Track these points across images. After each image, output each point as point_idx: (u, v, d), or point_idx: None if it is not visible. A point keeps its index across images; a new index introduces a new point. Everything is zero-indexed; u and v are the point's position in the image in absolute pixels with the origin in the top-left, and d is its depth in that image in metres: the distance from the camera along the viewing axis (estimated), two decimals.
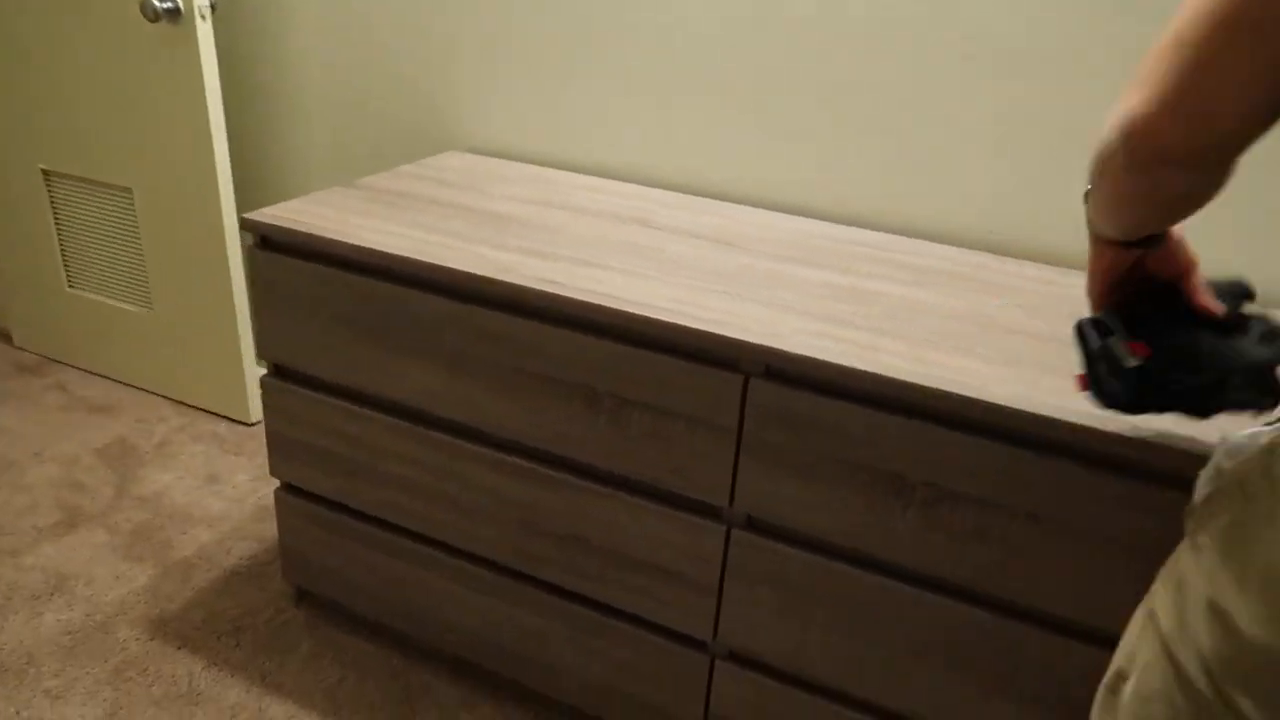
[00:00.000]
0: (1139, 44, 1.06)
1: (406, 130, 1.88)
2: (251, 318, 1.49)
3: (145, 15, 1.83)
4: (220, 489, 2.00)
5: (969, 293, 1.29)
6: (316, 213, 1.42)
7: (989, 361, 1.09)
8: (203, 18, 1.83)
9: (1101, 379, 0.87)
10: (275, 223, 1.38)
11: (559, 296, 1.20)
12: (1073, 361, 0.93)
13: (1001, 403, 1.01)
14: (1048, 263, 1.44)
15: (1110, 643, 0.77)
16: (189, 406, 2.26)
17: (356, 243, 1.32)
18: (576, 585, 1.36)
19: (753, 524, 1.21)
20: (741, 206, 1.60)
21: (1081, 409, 0.97)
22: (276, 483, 1.58)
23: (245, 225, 1.40)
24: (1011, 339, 1.16)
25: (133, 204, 2.12)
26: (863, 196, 1.55)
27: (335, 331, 1.39)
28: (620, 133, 1.69)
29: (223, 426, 2.20)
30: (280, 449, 1.54)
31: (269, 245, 1.41)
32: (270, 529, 1.88)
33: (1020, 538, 1.04)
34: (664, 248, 1.38)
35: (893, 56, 1.46)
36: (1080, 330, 0.89)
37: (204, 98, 1.89)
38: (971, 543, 1.07)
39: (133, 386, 2.33)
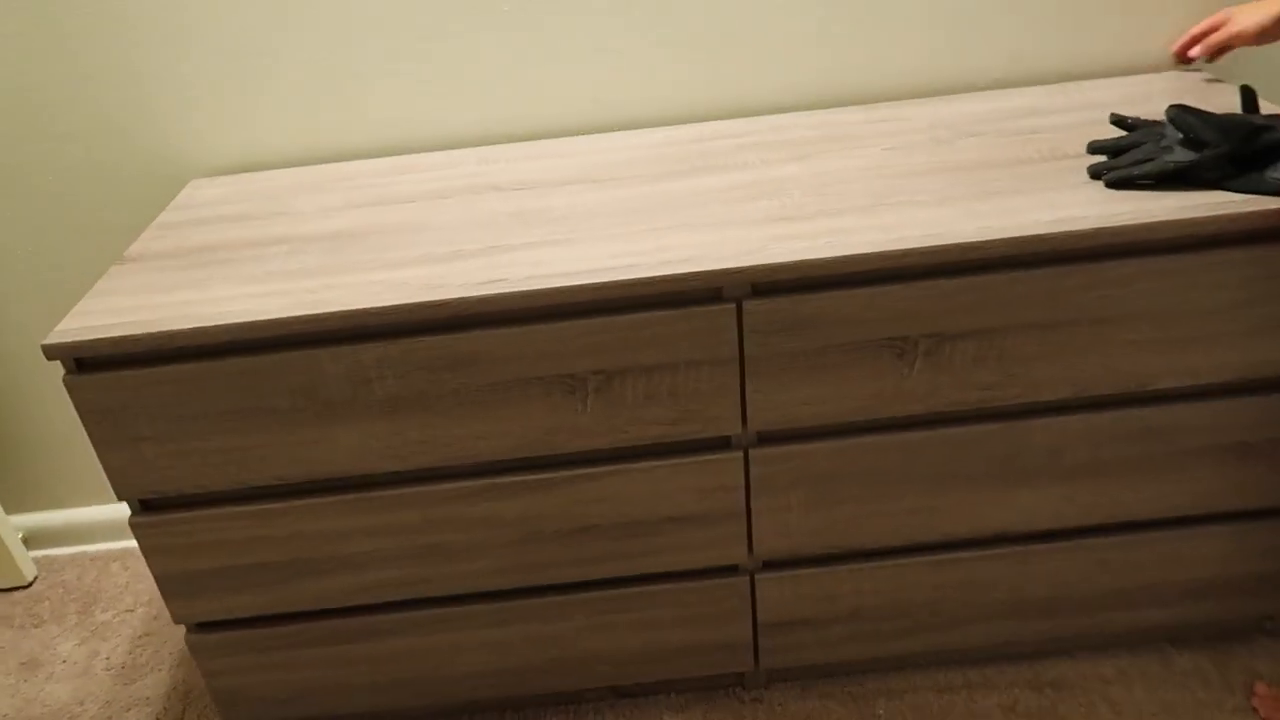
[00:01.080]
0: None
1: (121, 174, 1.53)
2: (98, 455, 1.18)
3: None
4: (51, 671, 1.62)
5: (848, 151, 1.34)
6: (129, 306, 1.14)
7: (928, 205, 1.16)
8: None
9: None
10: (93, 336, 1.09)
11: (515, 294, 1.08)
12: (983, 181, 1.05)
13: (977, 239, 1.08)
14: (863, 104, 1.53)
15: (1104, 403, 0.89)
16: None
17: (228, 321, 1.08)
18: (592, 573, 1.30)
19: (767, 439, 1.22)
20: (565, 140, 1.51)
21: (1035, 220, 1.08)
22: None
23: (52, 353, 1.09)
24: (922, 180, 1.23)
25: None
26: (674, 93, 1.53)
27: (220, 431, 1.15)
28: (384, 103, 1.50)
29: None
30: (178, 591, 1.28)
31: (91, 367, 1.12)
32: (150, 685, 1.57)
33: (1015, 350, 1.15)
34: (548, 206, 1.28)
35: None
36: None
37: None
38: (974, 371, 1.17)
39: None
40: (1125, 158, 1.16)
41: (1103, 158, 1.20)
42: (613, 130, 1.53)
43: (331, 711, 1.41)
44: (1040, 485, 1.26)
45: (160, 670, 1.59)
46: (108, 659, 1.62)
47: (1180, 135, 1.14)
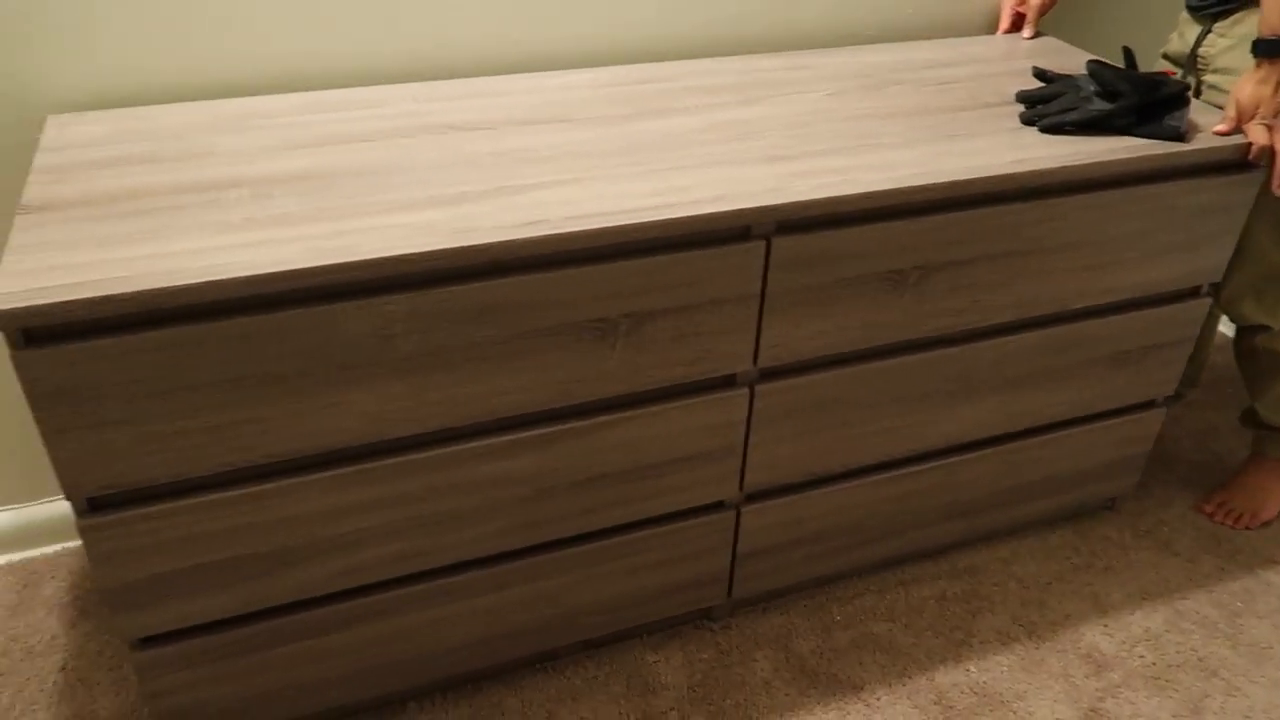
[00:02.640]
0: None
1: None
2: (47, 446, 0.94)
3: None
4: None
5: (791, 97, 1.39)
6: (76, 263, 0.94)
7: (901, 148, 1.24)
8: None
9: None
10: (56, 300, 0.88)
11: (558, 236, 1.02)
12: (935, 126, 1.21)
13: (967, 176, 1.19)
14: (758, 53, 1.59)
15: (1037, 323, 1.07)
16: None
17: (238, 275, 0.93)
18: (593, 524, 1.28)
19: (769, 374, 1.26)
20: (487, 79, 1.42)
21: (1002, 161, 1.21)
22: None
23: (4, 319, 0.87)
24: (880, 123, 1.32)
25: None
26: (580, 36, 1.49)
27: (209, 406, 0.99)
28: (266, 31, 1.32)
29: None
30: (126, 602, 1.08)
31: (44, 339, 0.91)
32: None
33: (979, 279, 1.28)
34: (527, 146, 1.21)
35: None
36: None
37: None
38: (948, 299, 1.28)
39: None
40: (1053, 105, 1.32)
41: (1023, 107, 1.36)
42: (521, 72, 1.47)
43: (294, 715, 1.27)
44: (980, 399, 1.41)
45: (35, 710, 1.33)
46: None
47: (1095, 87, 1.32)
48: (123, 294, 0.89)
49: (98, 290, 0.89)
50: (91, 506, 1.02)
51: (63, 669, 1.39)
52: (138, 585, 1.07)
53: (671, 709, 1.37)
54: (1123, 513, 1.72)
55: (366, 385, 1.04)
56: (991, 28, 1.71)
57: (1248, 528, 1.69)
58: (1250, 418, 1.70)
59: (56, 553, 1.57)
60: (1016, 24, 1.66)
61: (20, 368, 0.90)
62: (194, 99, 1.32)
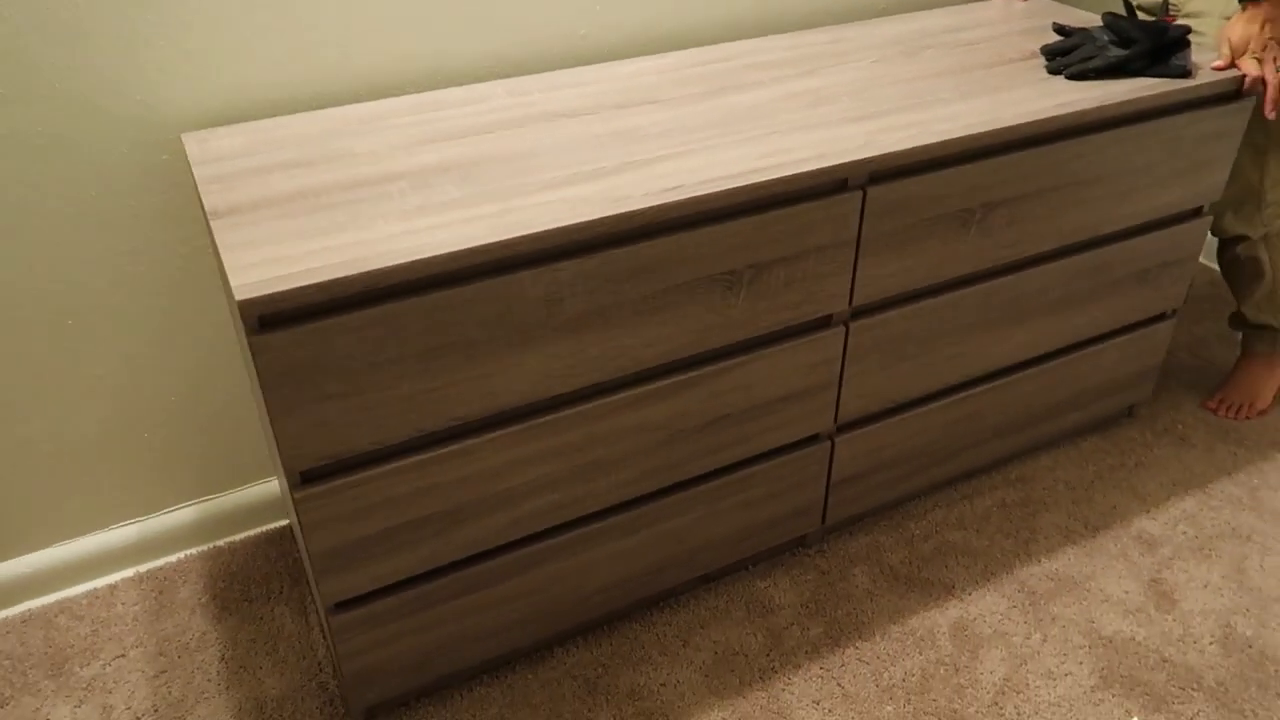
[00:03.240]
0: None
1: (94, 140, 1.30)
2: (273, 426, 1.03)
3: None
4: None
5: (842, 67, 1.55)
6: (293, 254, 1.04)
7: (957, 102, 1.41)
8: None
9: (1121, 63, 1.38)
10: (281, 289, 0.99)
11: (695, 198, 1.16)
12: (978, 81, 1.34)
13: (1020, 120, 1.35)
14: (793, 30, 1.74)
15: (1073, 249, 1.26)
16: None
17: (439, 252, 1.04)
18: (715, 463, 1.41)
19: (860, 312, 1.41)
20: (568, 71, 1.54)
21: (1044, 106, 1.39)
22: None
23: (248, 309, 0.97)
24: (930, 82, 1.48)
25: None
26: (638, 27, 1.62)
27: (397, 380, 1.10)
28: (361, 47, 1.43)
29: None
30: (335, 565, 1.18)
31: (275, 323, 1.01)
32: (204, 715, 1.40)
33: (1027, 212, 1.45)
34: (635, 126, 1.34)
35: None
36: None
37: None
38: (1005, 232, 1.45)
39: None
40: (1074, 55, 1.50)
41: (1047, 60, 1.54)
42: (592, 63, 1.60)
43: (459, 667, 1.38)
44: (1028, 323, 1.59)
45: (208, 698, 1.41)
46: (130, 708, 1.40)
47: (1110, 36, 1.51)
48: (347, 276, 1.00)
49: (324, 275, 1.00)
50: (304, 479, 1.12)
51: (222, 659, 1.47)
52: (340, 550, 1.18)
53: (792, 624, 1.51)
54: (1140, 418, 1.93)
55: (537, 346, 1.16)
56: None
57: (1248, 417, 1.90)
58: (1237, 319, 1.91)
59: (180, 560, 1.64)
60: None
61: (257, 352, 1.01)
62: (309, 109, 1.42)
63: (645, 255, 1.17)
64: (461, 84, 1.51)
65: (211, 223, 1.10)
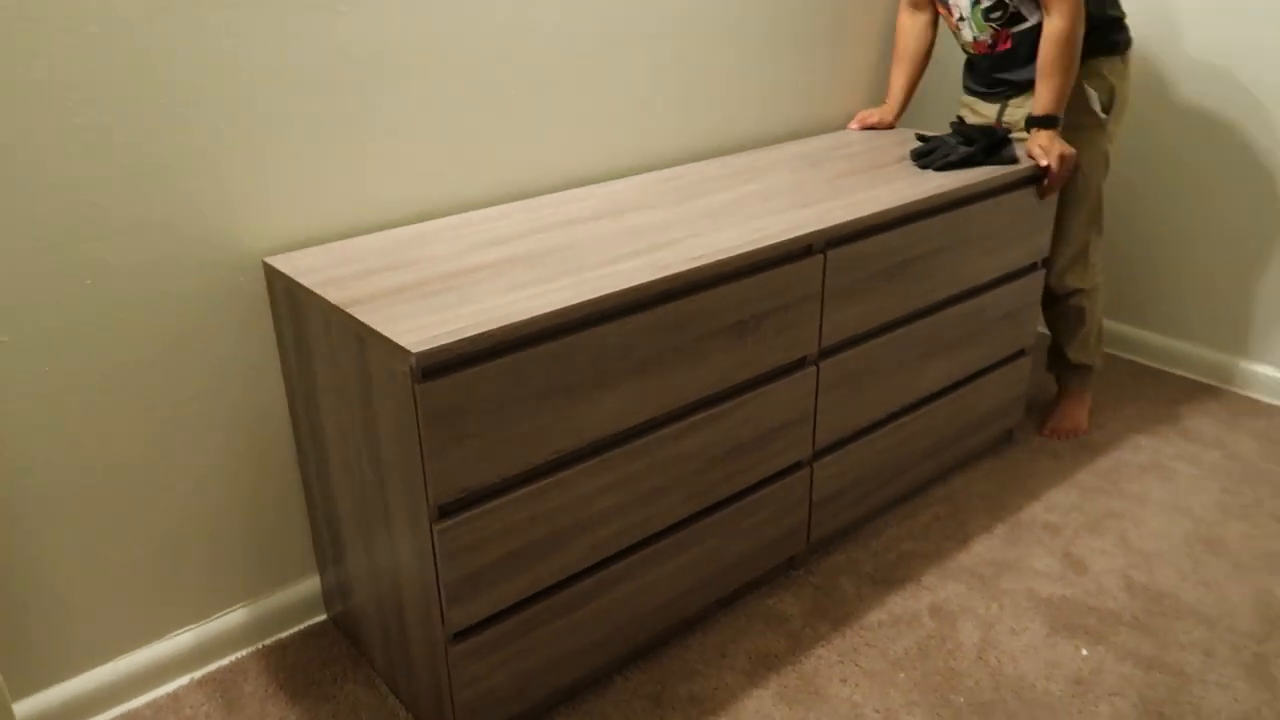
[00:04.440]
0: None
1: (196, 256, 1.49)
2: (423, 465, 1.21)
3: None
4: None
5: (771, 176, 1.97)
6: (428, 323, 1.29)
7: (872, 188, 1.85)
8: None
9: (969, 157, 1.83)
10: (438, 344, 1.23)
11: (718, 261, 1.50)
12: (879, 179, 1.81)
13: (932, 194, 1.81)
14: (704, 159, 2.17)
15: (963, 296, 1.74)
16: None
17: (538, 312, 1.32)
18: (733, 488, 1.70)
19: (828, 352, 1.78)
20: (559, 193, 1.88)
21: (934, 187, 1.85)
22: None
23: (422, 360, 1.21)
24: (845, 180, 1.92)
25: None
26: (607, 159, 2.00)
27: (517, 419, 1.35)
28: (395, 183, 1.71)
29: None
30: (460, 595, 1.37)
31: (433, 373, 1.25)
32: None
33: (930, 267, 1.90)
34: (643, 223, 1.68)
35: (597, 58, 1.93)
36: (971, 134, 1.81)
37: None
38: (919, 283, 1.88)
39: None
40: (935, 155, 2.00)
41: (914, 159, 2.03)
42: (580, 185, 1.95)
43: (547, 692, 1.55)
44: (940, 357, 2.02)
45: None
46: None
47: (958, 139, 2.02)
48: (489, 330, 1.26)
49: (470, 331, 1.25)
50: (441, 513, 1.32)
51: None
52: (464, 579, 1.37)
53: (804, 627, 1.78)
54: (1018, 441, 2.38)
55: (612, 388, 1.44)
56: (838, 127, 2.42)
57: (1075, 437, 2.40)
58: (1059, 363, 2.42)
59: (234, 661, 1.72)
60: (862, 125, 2.37)
61: (420, 398, 1.23)
62: (363, 234, 1.67)
63: (685, 310, 1.49)
64: (481, 208, 1.81)
65: (350, 309, 1.33)
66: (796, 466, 1.82)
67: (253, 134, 1.52)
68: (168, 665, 1.66)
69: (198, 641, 1.69)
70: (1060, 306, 2.36)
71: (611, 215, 1.73)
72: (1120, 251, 2.73)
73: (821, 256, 1.67)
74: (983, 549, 2.00)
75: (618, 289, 1.39)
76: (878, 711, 1.60)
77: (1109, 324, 2.80)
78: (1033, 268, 2.19)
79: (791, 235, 1.61)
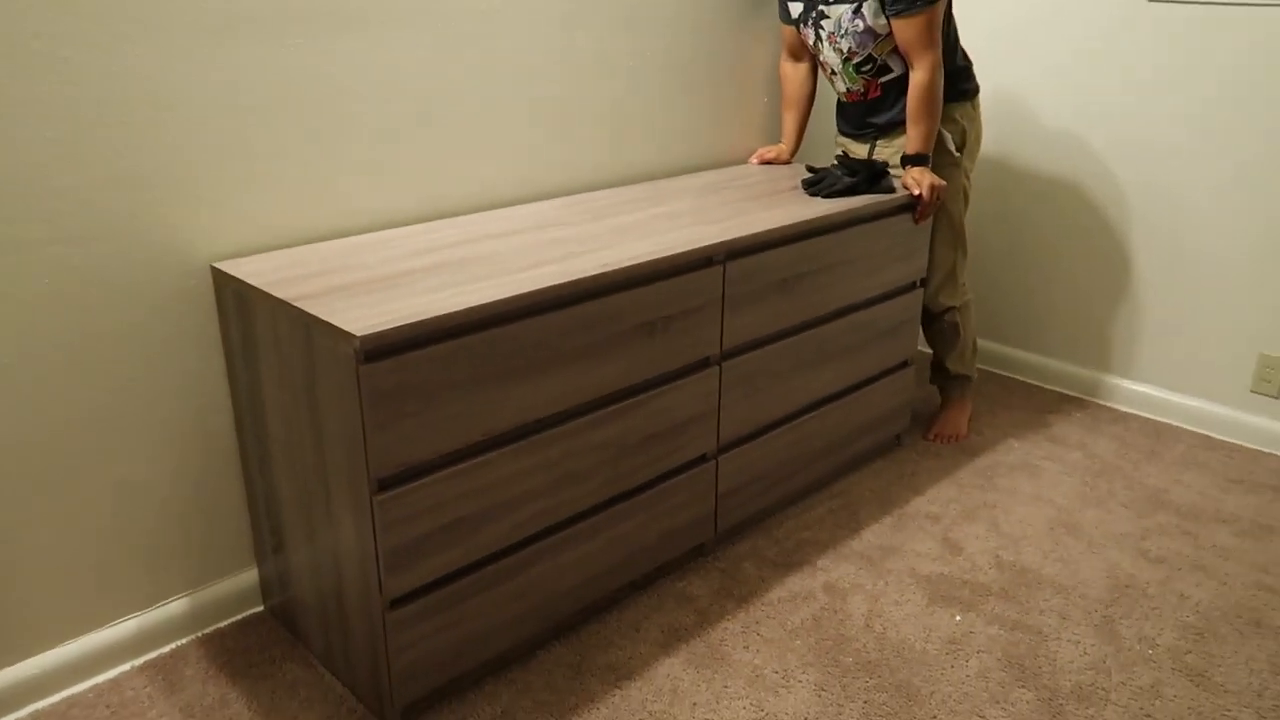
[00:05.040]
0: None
1: (146, 260, 1.62)
2: (365, 440, 1.35)
3: None
4: None
5: (674, 201, 2.19)
6: (370, 313, 1.45)
7: (769, 209, 2.08)
8: None
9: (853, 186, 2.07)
10: (389, 326, 1.40)
11: (626, 268, 1.70)
12: (772, 203, 2.05)
13: (815, 215, 2.04)
14: (639, 181, 2.39)
15: (847, 310, 2.00)
16: None
17: (468, 305, 1.49)
18: (645, 476, 1.88)
19: (729, 354, 1.98)
20: (483, 214, 2.06)
21: (818, 212, 2.09)
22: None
23: (366, 343, 1.37)
24: (742, 204, 2.15)
25: None
26: (516, 183, 2.20)
27: (449, 402, 1.51)
28: (346, 196, 1.87)
29: None
30: (397, 563, 1.51)
31: (374, 356, 1.40)
32: None
33: (817, 282, 2.13)
34: (566, 236, 1.87)
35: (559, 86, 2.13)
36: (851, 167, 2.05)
37: None
38: (807, 295, 2.11)
39: None
40: (823, 184, 2.24)
41: (805, 188, 2.27)
42: (504, 206, 2.14)
43: (475, 663, 1.69)
44: (829, 365, 2.24)
45: None
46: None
47: (843, 171, 2.27)
48: (424, 319, 1.43)
49: (410, 319, 1.42)
50: (381, 485, 1.47)
51: (250, 711, 1.67)
52: (401, 548, 1.51)
53: (712, 605, 1.96)
54: (906, 445, 2.63)
55: (534, 378, 1.61)
56: (738, 162, 2.67)
57: (956, 441, 2.66)
58: (940, 374, 2.69)
59: (174, 649, 1.81)
60: (761, 160, 2.63)
61: (363, 377, 1.39)
62: (295, 245, 1.82)
63: (597, 310, 1.68)
64: (412, 224, 1.98)
65: (297, 304, 1.48)
66: (703, 459, 2.01)
67: (204, 153, 1.66)
68: (110, 652, 1.75)
69: (139, 629, 1.78)
70: (938, 324, 2.62)
71: (532, 230, 1.92)
72: (997, 281, 3.03)
73: (721, 267, 1.89)
74: (872, 536, 2.21)
75: (535, 288, 1.57)
76: (776, 672, 1.78)
77: (989, 344, 3.09)
78: (911, 287, 2.44)
79: (694, 247, 1.82)
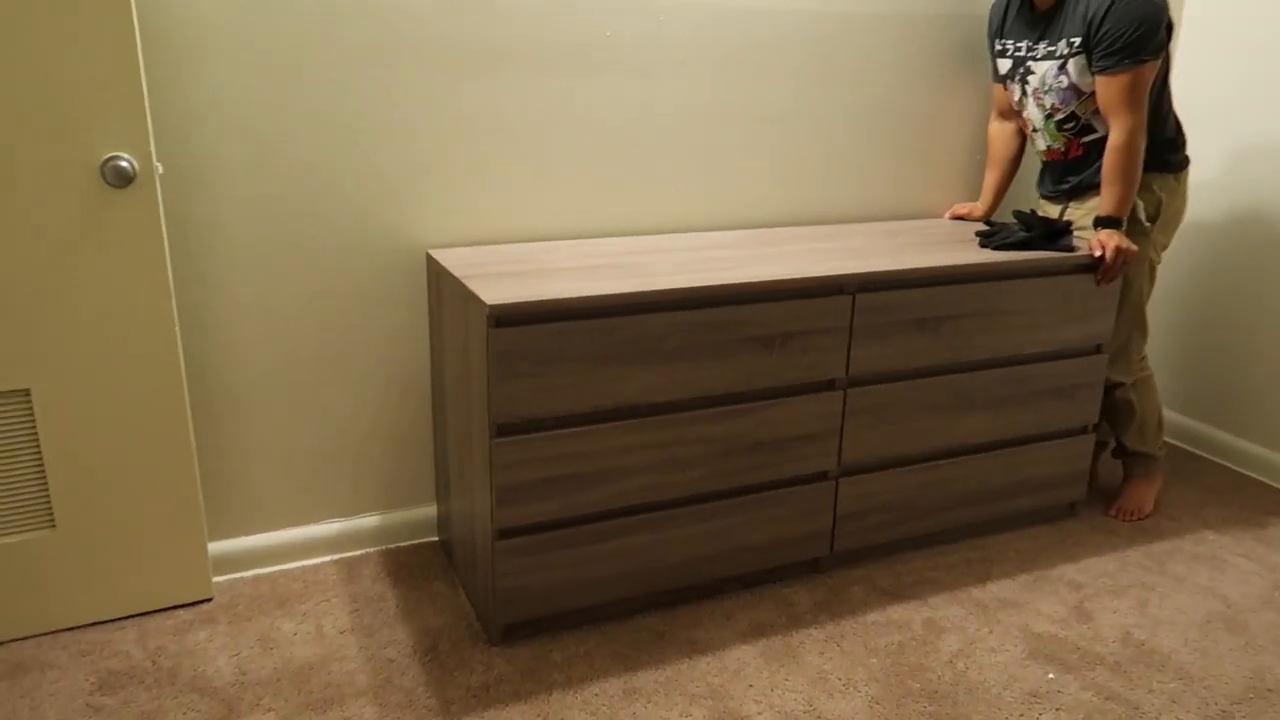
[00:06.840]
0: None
1: (366, 245, 2.12)
2: (488, 391, 1.72)
3: (110, 181, 1.73)
4: (291, 639, 1.95)
5: (850, 239, 2.35)
6: (513, 294, 1.79)
7: (932, 252, 2.19)
8: (156, 179, 1.81)
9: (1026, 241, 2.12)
10: (516, 301, 1.73)
11: (752, 283, 1.91)
12: (943, 248, 2.11)
13: (968, 262, 2.12)
14: (825, 224, 2.57)
15: (1003, 362, 1.99)
16: (122, 621, 1.99)
17: (589, 294, 1.79)
18: (755, 479, 2.06)
19: (855, 381, 2.11)
20: (652, 236, 2.37)
21: (983, 259, 2.15)
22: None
23: (495, 312, 1.71)
24: (916, 248, 2.27)
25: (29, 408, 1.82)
26: (689, 212, 2.47)
27: (564, 373, 1.81)
28: (547, 208, 2.26)
29: (188, 615, 2.03)
30: (507, 499, 1.83)
31: (503, 323, 1.75)
32: (389, 635, 1.98)
33: (968, 328, 2.18)
34: (714, 255, 2.13)
35: (711, 127, 2.41)
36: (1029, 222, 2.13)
37: (161, 262, 1.84)
38: (951, 339, 2.17)
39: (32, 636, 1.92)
40: (996, 237, 2.29)
41: (980, 240, 2.33)
42: (676, 232, 2.43)
43: (579, 605, 1.96)
44: (974, 413, 2.27)
45: (390, 625, 2.00)
46: (335, 627, 1.99)
47: (1019, 225, 2.30)
48: (545, 300, 1.75)
49: (536, 297, 1.75)
50: (499, 430, 1.80)
51: (398, 606, 2.06)
52: (512, 487, 1.83)
53: (806, 613, 2.08)
54: (1081, 515, 2.53)
55: (650, 368, 1.87)
56: (934, 216, 2.75)
57: (1139, 520, 2.50)
58: (1119, 450, 2.56)
59: (362, 555, 2.27)
60: (953, 215, 2.70)
61: (490, 339, 1.74)
62: (500, 243, 2.23)
63: (720, 316, 1.91)
64: (598, 237, 2.33)
65: (467, 281, 1.87)
66: (822, 476, 2.15)
67: (439, 166, 2.13)
68: (315, 544, 2.24)
69: (340, 531, 2.26)
70: (1109, 399, 2.52)
71: (691, 250, 2.19)
72: (1229, 366, 2.80)
73: (851, 298, 2.03)
74: (997, 588, 2.19)
75: (652, 289, 1.84)
76: (840, 679, 1.88)
77: (1214, 432, 2.86)
78: (1092, 350, 2.39)
79: (824, 274, 1.99)
